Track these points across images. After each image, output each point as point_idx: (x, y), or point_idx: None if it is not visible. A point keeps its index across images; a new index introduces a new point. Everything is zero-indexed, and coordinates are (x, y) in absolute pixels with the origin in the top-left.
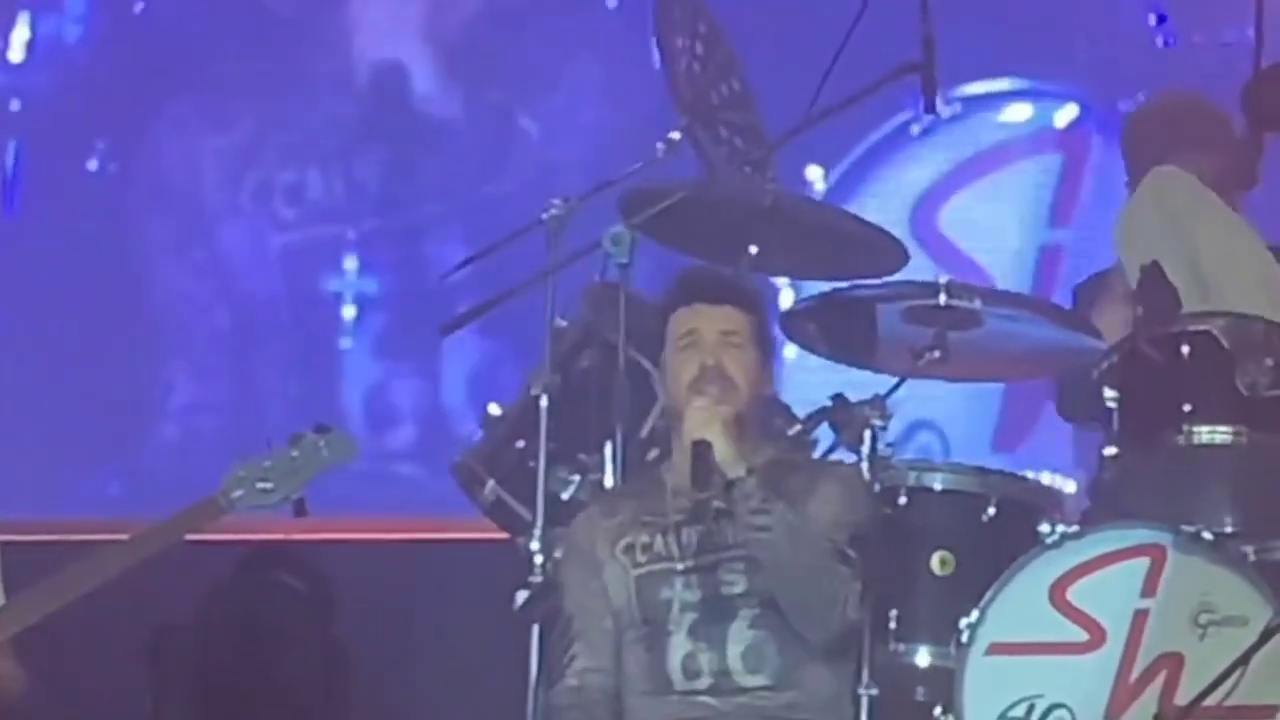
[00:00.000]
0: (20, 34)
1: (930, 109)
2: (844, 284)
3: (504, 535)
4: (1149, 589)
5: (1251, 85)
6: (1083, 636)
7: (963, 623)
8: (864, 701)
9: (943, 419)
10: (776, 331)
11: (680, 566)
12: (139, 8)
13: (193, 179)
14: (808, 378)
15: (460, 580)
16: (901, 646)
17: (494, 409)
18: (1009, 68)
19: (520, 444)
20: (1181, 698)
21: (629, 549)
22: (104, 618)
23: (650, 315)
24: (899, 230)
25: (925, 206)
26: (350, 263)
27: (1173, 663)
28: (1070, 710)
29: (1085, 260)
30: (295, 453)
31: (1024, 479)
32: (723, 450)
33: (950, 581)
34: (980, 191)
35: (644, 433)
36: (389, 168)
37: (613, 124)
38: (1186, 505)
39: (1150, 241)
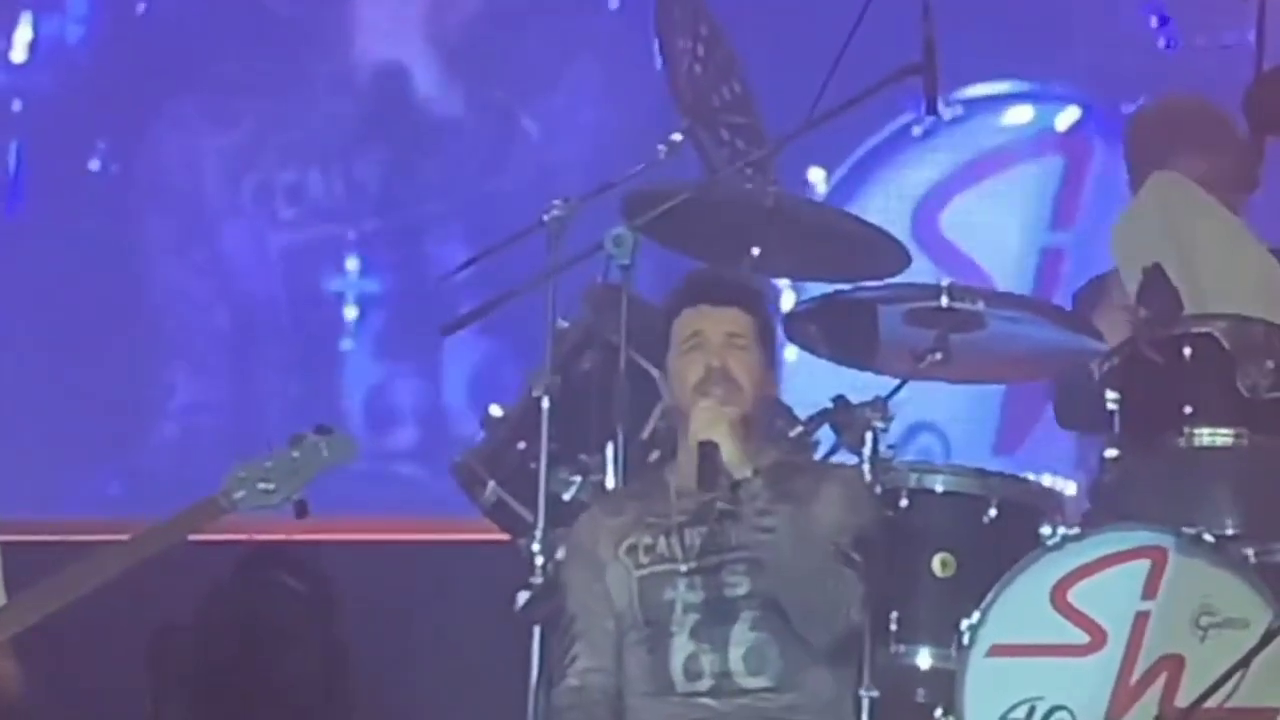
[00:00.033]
0: (22, 34)
1: (932, 111)
2: (846, 286)
3: (505, 536)
4: (1150, 591)
5: (1253, 89)
6: (1084, 638)
7: (964, 624)
8: (865, 703)
9: (943, 421)
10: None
11: (683, 568)
12: (140, 8)
13: (193, 179)
14: (808, 379)
15: (461, 581)
16: (902, 648)
17: (495, 410)
18: (1010, 70)
19: (521, 445)
20: (1182, 700)
21: (632, 550)
22: (104, 618)
23: (652, 317)
24: (900, 232)
25: (926, 208)
26: (351, 263)
27: (1174, 665)
28: (1071, 712)
29: (1086, 263)
30: (296, 453)
31: (1025, 481)
32: (729, 451)
33: (951, 583)
34: (981, 194)
35: (645, 434)
36: (390, 168)
37: (613, 124)
38: (1187, 507)
39: (1148, 248)
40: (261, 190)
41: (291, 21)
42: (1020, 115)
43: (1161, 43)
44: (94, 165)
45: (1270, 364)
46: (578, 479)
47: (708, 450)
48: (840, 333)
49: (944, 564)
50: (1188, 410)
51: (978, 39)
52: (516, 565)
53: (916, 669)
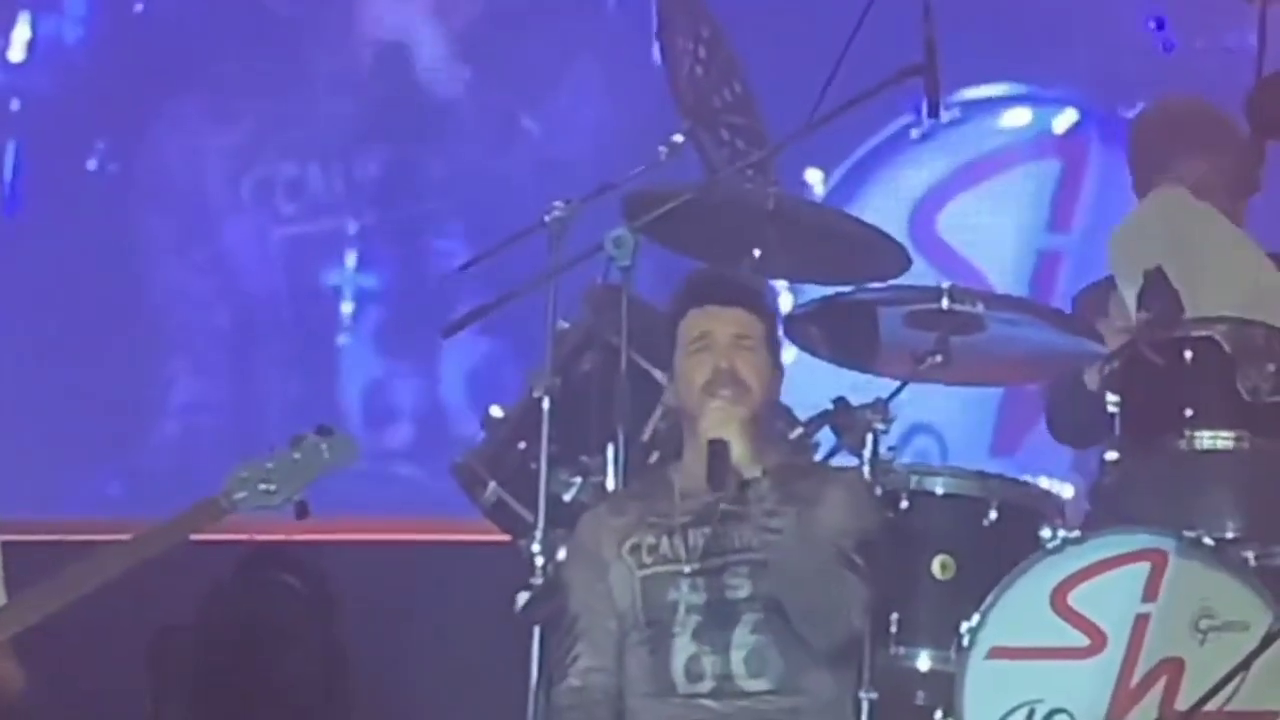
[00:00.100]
0: (21, 34)
1: (933, 113)
2: (846, 287)
3: (505, 537)
4: (1150, 594)
5: (1254, 92)
6: (1084, 641)
7: (963, 627)
8: (864, 705)
9: (941, 423)
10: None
11: (686, 569)
12: (139, 7)
13: (193, 179)
14: (808, 380)
15: (461, 581)
16: (902, 650)
17: (496, 410)
18: (1009, 72)
19: (522, 446)
20: (1182, 703)
21: (635, 550)
22: (105, 618)
23: (653, 318)
24: (897, 233)
25: (924, 210)
26: (351, 261)
27: (1173, 668)
28: (1071, 715)
29: (1083, 266)
30: (297, 454)
31: (1025, 484)
32: (740, 450)
33: (951, 585)
34: (979, 196)
35: (646, 436)
36: (390, 166)
37: (614, 124)
38: (1188, 510)
39: (1147, 258)
40: (261, 188)
41: (291, 20)
42: (1018, 118)
43: (1160, 46)
44: (93, 165)
45: (1271, 367)
46: (578, 480)
47: (718, 449)
48: (841, 334)
49: (944, 566)
50: (1188, 413)
51: (976, 41)
52: (516, 566)
53: (916, 671)
